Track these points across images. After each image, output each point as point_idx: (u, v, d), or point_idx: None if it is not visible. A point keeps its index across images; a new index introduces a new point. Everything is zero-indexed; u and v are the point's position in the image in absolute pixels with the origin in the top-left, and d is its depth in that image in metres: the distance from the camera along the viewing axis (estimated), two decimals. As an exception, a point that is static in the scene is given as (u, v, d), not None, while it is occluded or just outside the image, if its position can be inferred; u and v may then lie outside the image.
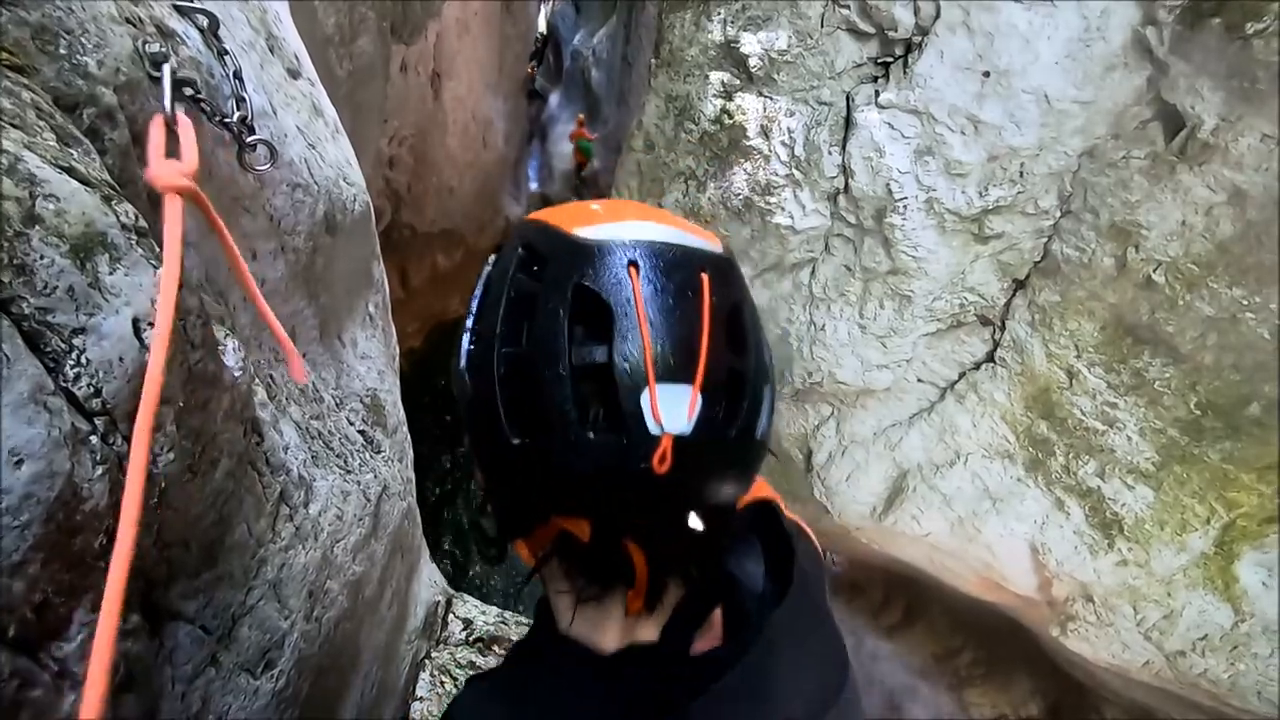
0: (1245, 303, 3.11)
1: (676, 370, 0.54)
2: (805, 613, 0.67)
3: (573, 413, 0.54)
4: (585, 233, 0.59)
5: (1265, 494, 3.35)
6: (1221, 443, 3.36)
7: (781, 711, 0.61)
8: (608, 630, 0.64)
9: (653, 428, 0.53)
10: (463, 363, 0.62)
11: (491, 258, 0.67)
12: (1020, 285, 3.83)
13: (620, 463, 0.54)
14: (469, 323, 0.63)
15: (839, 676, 0.68)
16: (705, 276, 0.58)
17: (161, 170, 0.80)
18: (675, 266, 0.58)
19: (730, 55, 3.89)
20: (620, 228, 0.59)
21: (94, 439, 0.65)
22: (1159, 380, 3.42)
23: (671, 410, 0.53)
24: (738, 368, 0.58)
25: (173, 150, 0.83)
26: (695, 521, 0.58)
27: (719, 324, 0.57)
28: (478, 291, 0.64)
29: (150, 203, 0.87)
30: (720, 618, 0.66)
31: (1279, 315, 3.04)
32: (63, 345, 0.62)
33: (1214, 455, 3.40)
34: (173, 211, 0.78)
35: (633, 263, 0.56)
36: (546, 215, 0.64)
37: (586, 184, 13.16)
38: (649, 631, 0.64)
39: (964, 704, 5.89)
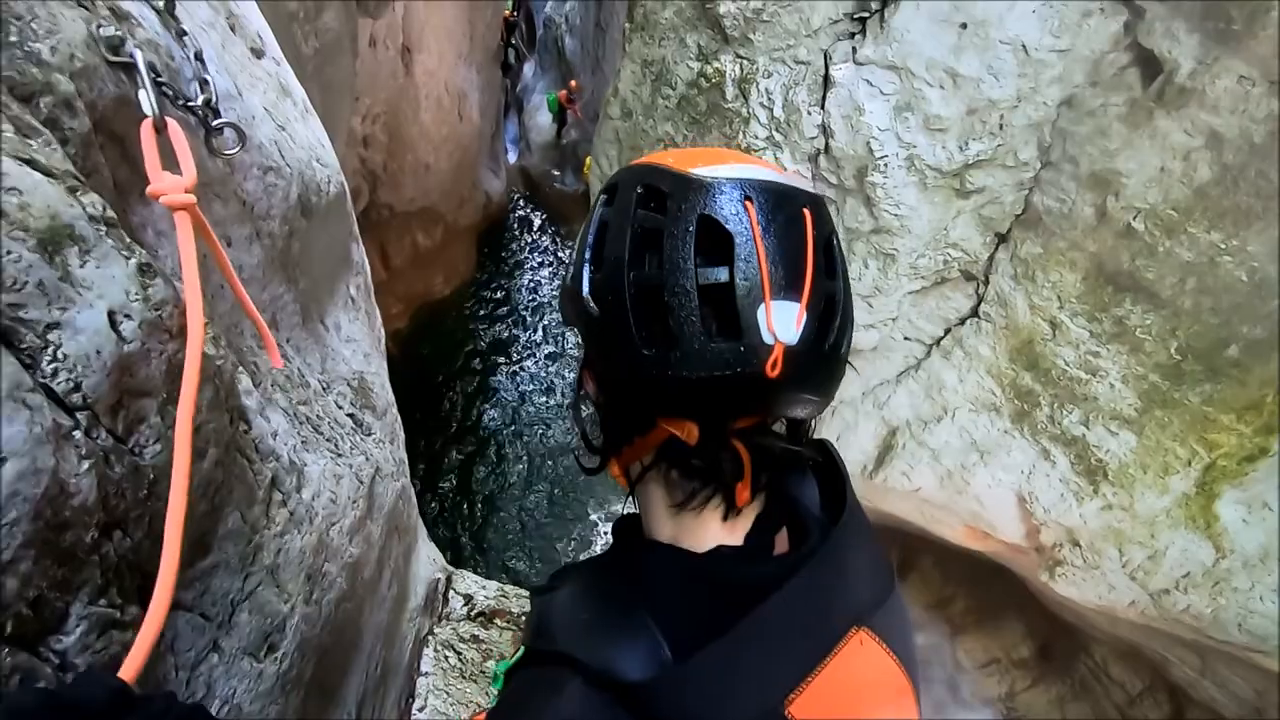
0: (1223, 246, 3.13)
1: (787, 289, 0.65)
2: (858, 530, 0.74)
3: (698, 325, 0.64)
4: (701, 172, 0.68)
5: (1244, 433, 3.42)
6: (1201, 385, 3.42)
7: (847, 604, 0.68)
8: (702, 534, 0.73)
9: (766, 337, 0.64)
10: (586, 289, 0.70)
11: (601, 198, 0.74)
12: (1002, 239, 3.83)
13: (737, 367, 0.64)
14: (587, 255, 0.72)
15: (888, 582, 0.75)
16: (807, 211, 0.68)
17: (164, 187, 0.79)
18: (782, 201, 0.68)
19: (705, 16, 3.81)
20: (730, 169, 0.68)
21: (77, 434, 0.64)
22: (1140, 327, 3.46)
23: (782, 323, 0.64)
24: (832, 290, 0.70)
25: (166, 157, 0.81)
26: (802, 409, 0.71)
27: (819, 252, 0.68)
28: (591, 228, 0.73)
29: (117, 191, 0.85)
30: (786, 535, 0.75)
31: (1255, 258, 3.07)
32: (37, 341, 0.61)
33: (1194, 398, 3.45)
34: (184, 231, 0.79)
35: (747, 197, 0.66)
36: (655, 159, 0.73)
37: (566, 154, 12.98)
38: (735, 539, 0.72)
39: (958, 650, 6.06)
